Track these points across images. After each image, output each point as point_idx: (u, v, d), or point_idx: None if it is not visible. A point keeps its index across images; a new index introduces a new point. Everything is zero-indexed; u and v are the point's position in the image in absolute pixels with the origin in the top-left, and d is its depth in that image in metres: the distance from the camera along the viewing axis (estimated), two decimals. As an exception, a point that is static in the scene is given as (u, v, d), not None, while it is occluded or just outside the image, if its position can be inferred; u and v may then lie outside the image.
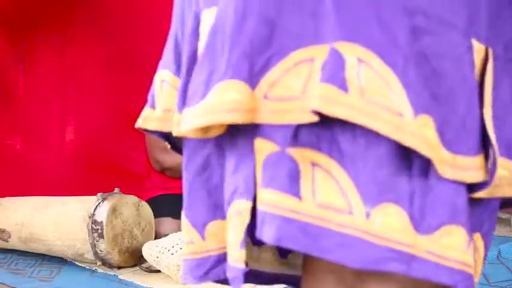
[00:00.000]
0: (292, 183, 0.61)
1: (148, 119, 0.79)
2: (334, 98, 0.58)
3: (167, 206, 2.54)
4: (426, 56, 0.60)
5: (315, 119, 0.60)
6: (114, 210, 2.16)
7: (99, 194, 2.20)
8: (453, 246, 0.60)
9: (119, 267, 2.19)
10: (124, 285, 2.06)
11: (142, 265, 2.18)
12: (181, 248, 2.02)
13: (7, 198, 2.46)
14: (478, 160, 0.62)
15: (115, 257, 2.15)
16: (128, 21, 2.91)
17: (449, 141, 0.61)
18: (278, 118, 0.62)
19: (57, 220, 2.23)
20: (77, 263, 2.27)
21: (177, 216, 2.52)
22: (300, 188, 0.61)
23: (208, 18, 0.70)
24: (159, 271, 2.10)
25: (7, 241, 2.36)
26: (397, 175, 0.60)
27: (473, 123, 0.62)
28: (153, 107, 0.79)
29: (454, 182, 0.60)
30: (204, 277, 0.75)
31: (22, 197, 2.45)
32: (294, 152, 0.62)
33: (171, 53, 0.78)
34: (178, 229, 2.37)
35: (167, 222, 2.47)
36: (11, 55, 2.70)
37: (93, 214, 2.14)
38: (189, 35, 0.72)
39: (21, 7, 2.67)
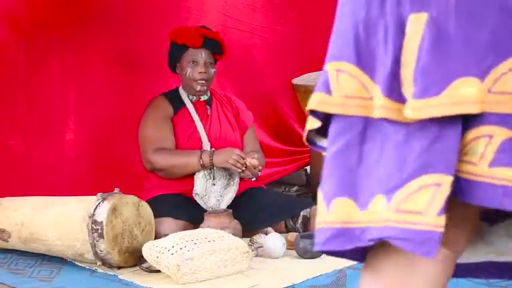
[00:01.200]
0: None
1: (325, 103, 0.88)
2: None
3: (167, 206, 2.54)
4: None
5: None
6: (114, 210, 2.16)
7: (99, 194, 2.20)
8: None
9: (119, 267, 2.20)
10: (124, 285, 2.07)
11: (143, 265, 2.18)
12: (181, 248, 2.02)
13: (7, 198, 2.46)
14: None
15: (115, 257, 2.15)
16: (129, 22, 2.91)
17: None
18: (508, 108, 0.80)
19: (57, 220, 2.23)
20: (77, 263, 2.27)
21: (177, 216, 2.52)
22: None
23: (417, 21, 0.84)
24: (159, 271, 2.10)
25: (7, 241, 2.36)
26: None
27: None
28: (328, 92, 0.88)
29: None
30: (322, 245, 0.85)
31: (22, 197, 2.45)
32: None
33: (351, 47, 0.88)
34: (178, 229, 2.37)
35: (167, 222, 2.47)
36: (13, 55, 2.70)
37: (93, 214, 2.14)
38: (392, 34, 0.86)
39: (26, 7, 2.67)
